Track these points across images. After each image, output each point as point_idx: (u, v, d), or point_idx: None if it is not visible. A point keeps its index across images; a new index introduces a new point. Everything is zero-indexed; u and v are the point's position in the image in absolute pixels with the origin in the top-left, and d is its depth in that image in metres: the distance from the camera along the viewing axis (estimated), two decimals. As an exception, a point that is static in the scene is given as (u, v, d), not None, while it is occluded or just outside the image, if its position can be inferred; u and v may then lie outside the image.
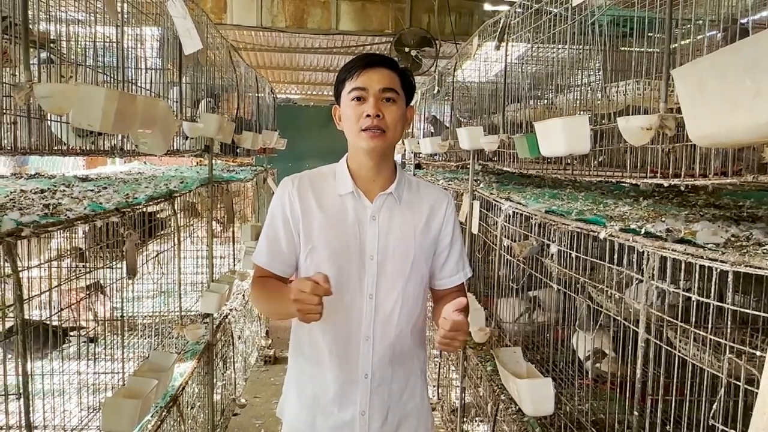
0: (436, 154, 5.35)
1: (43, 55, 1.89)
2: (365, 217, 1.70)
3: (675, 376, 1.57)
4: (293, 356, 1.82)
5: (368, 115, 1.63)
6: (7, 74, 1.66)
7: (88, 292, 2.74)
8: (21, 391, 1.50)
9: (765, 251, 1.27)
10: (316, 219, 1.69)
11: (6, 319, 1.83)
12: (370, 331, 1.68)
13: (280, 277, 1.76)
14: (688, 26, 1.61)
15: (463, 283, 1.86)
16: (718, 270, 1.28)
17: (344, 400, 1.71)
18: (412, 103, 1.78)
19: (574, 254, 2.08)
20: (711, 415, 1.29)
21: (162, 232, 2.98)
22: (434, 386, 4.45)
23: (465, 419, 3.50)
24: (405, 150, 7.15)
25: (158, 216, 2.95)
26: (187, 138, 2.99)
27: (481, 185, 3.39)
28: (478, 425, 3.31)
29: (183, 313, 3.12)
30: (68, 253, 2.61)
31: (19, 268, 1.48)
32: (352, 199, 1.71)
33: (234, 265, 4.36)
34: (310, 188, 1.73)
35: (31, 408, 1.53)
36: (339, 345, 1.69)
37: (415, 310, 1.75)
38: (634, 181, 1.76)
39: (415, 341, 1.79)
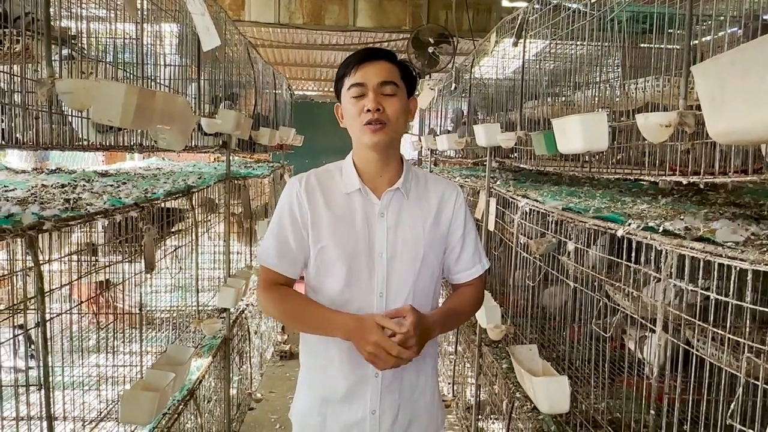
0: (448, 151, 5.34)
1: (65, 51, 1.91)
2: (373, 215, 1.68)
3: (693, 375, 1.56)
4: (304, 355, 1.81)
5: (368, 110, 1.61)
6: (30, 70, 1.69)
7: (105, 287, 2.77)
8: (42, 382, 1.53)
9: (786, 250, 1.25)
10: (325, 218, 1.67)
11: (27, 311, 1.86)
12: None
13: (288, 278, 1.73)
14: (709, 22, 1.59)
15: (482, 275, 1.82)
16: (738, 268, 1.26)
17: (354, 399, 1.70)
18: (416, 95, 1.77)
19: (591, 252, 2.06)
20: (729, 414, 1.28)
21: (180, 227, 3.01)
22: (449, 383, 4.46)
23: (480, 417, 3.50)
24: (422, 146, 7.15)
25: (178, 214, 2.97)
26: (205, 134, 3.01)
27: (498, 182, 3.38)
28: (493, 423, 3.31)
29: (200, 308, 3.15)
30: (86, 247, 2.65)
31: (41, 261, 1.51)
32: (360, 196, 1.69)
33: (251, 260, 4.39)
34: (318, 187, 1.71)
35: (51, 399, 1.56)
36: (349, 344, 1.64)
37: (426, 307, 1.72)
38: (652, 179, 1.74)
39: None
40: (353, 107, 1.65)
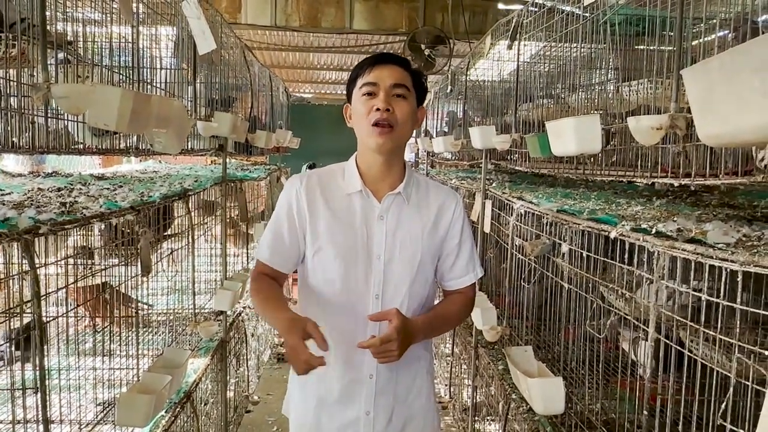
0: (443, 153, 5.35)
1: (60, 55, 1.92)
2: (373, 217, 1.69)
3: (685, 376, 1.57)
4: None
5: (378, 109, 1.62)
6: (26, 75, 1.69)
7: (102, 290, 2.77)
8: (38, 386, 1.53)
9: (776, 251, 1.26)
10: (324, 218, 1.69)
11: (23, 315, 1.86)
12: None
13: (278, 272, 1.76)
14: (701, 25, 1.60)
15: (474, 283, 1.85)
16: (728, 270, 1.27)
17: (349, 399, 1.71)
18: (424, 104, 1.78)
19: (585, 253, 2.07)
20: (721, 415, 1.29)
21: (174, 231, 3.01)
22: (446, 385, 4.46)
23: (476, 418, 3.51)
24: (418, 149, 7.16)
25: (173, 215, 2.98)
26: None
27: (494, 184, 3.39)
28: (490, 424, 3.31)
29: (197, 311, 3.15)
30: (81, 251, 2.65)
31: (37, 265, 1.51)
32: (360, 198, 1.70)
33: (247, 263, 4.39)
34: (318, 187, 1.72)
35: (47, 403, 1.56)
36: (344, 345, 1.66)
37: (420, 310, 1.74)
38: (645, 181, 1.75)
39: (421, 342, 1.79)
40: (363, 106, 1.66)
